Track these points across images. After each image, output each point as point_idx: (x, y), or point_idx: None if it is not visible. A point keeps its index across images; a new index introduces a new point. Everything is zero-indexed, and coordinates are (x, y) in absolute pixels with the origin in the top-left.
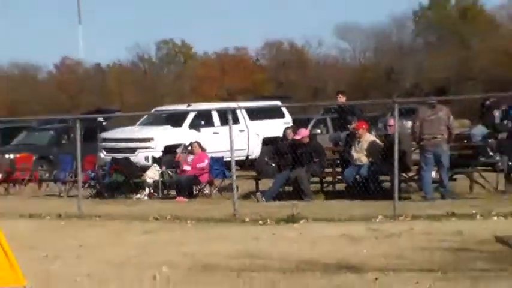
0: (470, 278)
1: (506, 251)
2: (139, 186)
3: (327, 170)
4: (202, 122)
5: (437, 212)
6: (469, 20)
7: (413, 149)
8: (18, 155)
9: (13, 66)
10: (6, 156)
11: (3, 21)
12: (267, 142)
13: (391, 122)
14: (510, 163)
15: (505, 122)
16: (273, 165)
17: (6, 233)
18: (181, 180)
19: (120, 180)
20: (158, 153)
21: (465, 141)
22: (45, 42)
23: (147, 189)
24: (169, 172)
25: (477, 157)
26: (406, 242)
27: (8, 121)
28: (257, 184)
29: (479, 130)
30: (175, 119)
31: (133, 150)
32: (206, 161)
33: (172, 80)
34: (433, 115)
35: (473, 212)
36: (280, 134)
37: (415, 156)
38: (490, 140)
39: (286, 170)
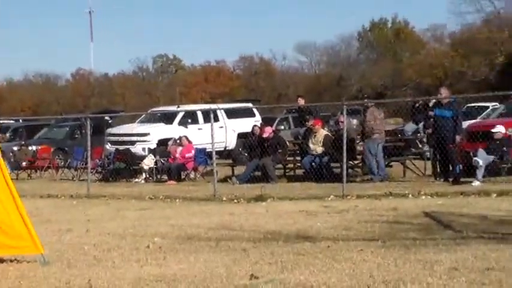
0: (404, 245)
1: (432, 223)
2: (138, 172)
3: (288, 158)
4: (189, 120)
5: (377, 192)
6: (401, 39)
7: (357, 141)
8: (39, 147)
9: (37, 75)
10: (30, 148)
11: (31, 38)
12: (241, 136)
13: (341, 119)
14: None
15: (431, 120)
16: (246, 155)
17: (28, 209)
18: (171, 167)
19: (122, 167)
20: (153, 145)
21: (399, 135)
22: (64, 56)
23: (143, 174)
24: (162, 160)
25: (409, 148)
26: (352, 216)
27: (32, 120)
28: (233, 170)
29: (410, 127)
30: (168, 118)
31: (133, 142)
32: (192, 151)
33: (166, 86)
34: (380, 115)
35: (406, 192)
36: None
37: (359, 148)
38: (418, 134)
39: (255, 158)
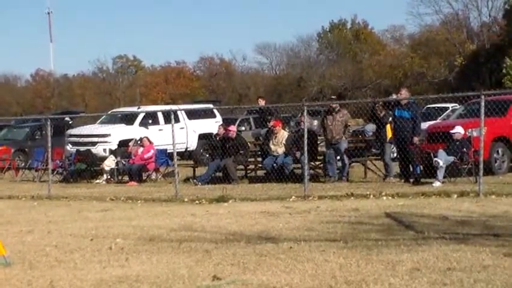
0: (366, 246)
1: (394, 224)
2: (99, 173)
3: (250, 159)
4: (150, 121)
5: (339, 193)
6: (361, 40)
7: (319, 142)
8: None
9: None
10: None
11: None
12: (202, 137)
13: (302, 119)
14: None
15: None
16: (207, 155)
17: None
18: (132, 168)
19: (83, 168)
20: (114, 146)
21: (360, 136)
22: (24, 56)
23: (104, 175)
24: (123, 161)
25: (369, 149)
26: (314, 217)
27: None
28: (194, 171)
29: (371, 127)
30: (128, 119)
31: (94, 143)
32: (153, 152)
33: (126, 87)
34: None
35: (367, 193)
36: (212, 131)
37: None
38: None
39: (217, 159)
